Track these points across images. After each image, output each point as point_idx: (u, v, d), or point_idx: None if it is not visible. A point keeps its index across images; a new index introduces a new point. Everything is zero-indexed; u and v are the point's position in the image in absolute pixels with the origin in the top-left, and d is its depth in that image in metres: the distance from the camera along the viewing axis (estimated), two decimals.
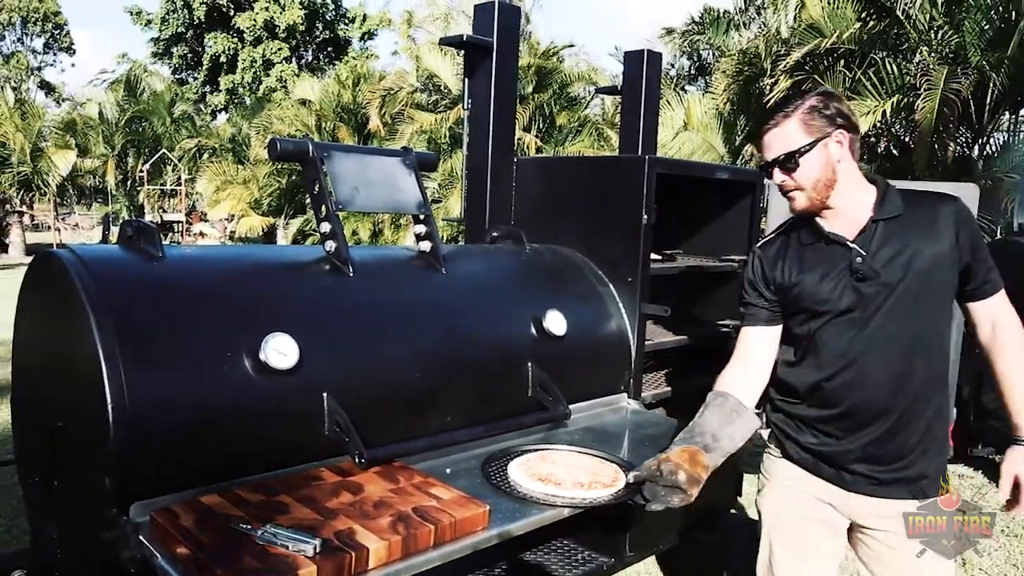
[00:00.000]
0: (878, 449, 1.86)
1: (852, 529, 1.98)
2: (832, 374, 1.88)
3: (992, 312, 1.85)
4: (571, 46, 16.82)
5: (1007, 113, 10.82)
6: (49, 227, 24.08)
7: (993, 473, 4.81)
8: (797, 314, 1.93)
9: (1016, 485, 1.85)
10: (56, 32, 36.31)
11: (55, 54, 37.33)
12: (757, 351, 2.00)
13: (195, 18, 32.13)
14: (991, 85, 9.79)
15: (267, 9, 31.34)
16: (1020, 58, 9.37)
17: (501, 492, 2.00)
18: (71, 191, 24.22)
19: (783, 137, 1.83)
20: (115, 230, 19.96)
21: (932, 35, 10.63)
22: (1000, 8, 9.91)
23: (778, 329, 1.99)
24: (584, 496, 2.00)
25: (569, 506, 1.97)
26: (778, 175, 1.86)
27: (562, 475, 2.09)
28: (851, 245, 1.83)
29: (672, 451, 1.89)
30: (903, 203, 1.83)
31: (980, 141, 10.89)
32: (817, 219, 1.90)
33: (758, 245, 2.05)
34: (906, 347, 1.82)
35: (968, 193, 3.45)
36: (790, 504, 2.02)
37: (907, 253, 1.79)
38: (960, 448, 4.68)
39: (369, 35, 34.78)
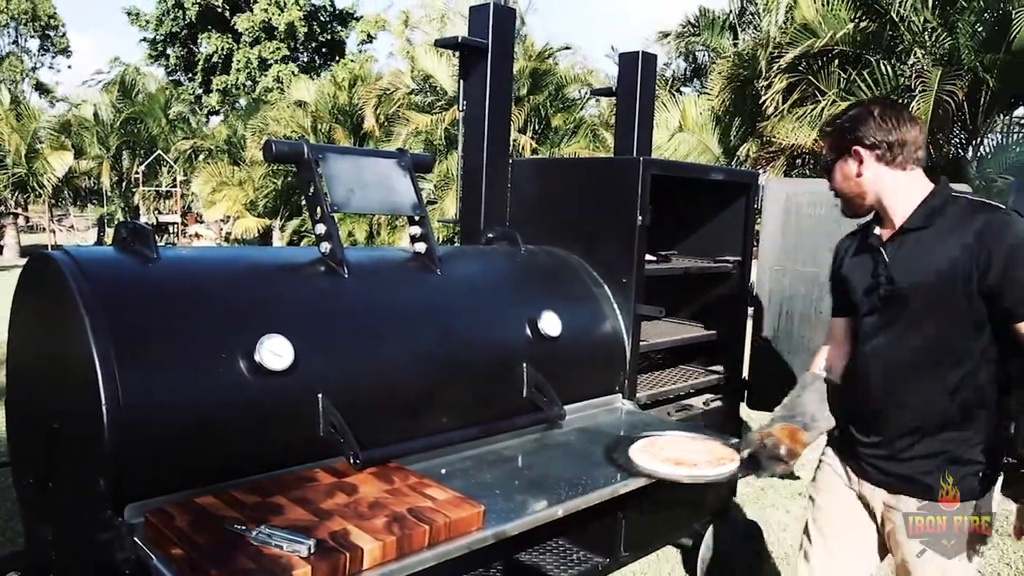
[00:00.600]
0: (880, 448, 1.94)
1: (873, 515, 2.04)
2: (853, 369, 2.03)
3: None
4: (567, 48, 16.85)
5: (1000, 114, 10.87)
6: (44, 229, 24.01)
7: None
8: (849, 308, 2.06)
9: None
10: (51, 33, 36.20)
11: (54, 56, 37.26)
12: (842, 337, 2.13)
13: (188, 18, 32.11)
14: (984, 87, 9.84)
15: (266, 11, 31.33)
16: (1013, 60, 9.41)
17: (643, 476, 2.22)
18: (66, 193, 24.12)
19: (824, 151, 2.03)
20: (110, 232, 19.90)
21: (926, 37, 10.68)
22: (993, 10, 9.96)
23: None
24: (721, 472, 2.24)
25: (718, 480, 2.25)
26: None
27: (691, 457, 2.31)
28: (881, 249, 1.92)
29: (774, 428, 2.08)
30: (941, 211, 1.84)
31: (974, 142, 10.93)
32: (877, 220, 1.99)
33: (841, 240, 2.17)
34: (907, 353, 1.86)
35: None
36: (826, 488, 2.13)
37: (923, 261, 1.82)
38: None
39: (369, 38, 34.79)
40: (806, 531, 2.17)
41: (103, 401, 1.68)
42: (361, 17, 34.74)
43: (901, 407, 1.88)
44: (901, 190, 1.89)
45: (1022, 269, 1.70)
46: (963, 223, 1.79)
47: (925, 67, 10.37)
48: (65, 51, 37.51)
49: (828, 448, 2.15)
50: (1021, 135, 10.93)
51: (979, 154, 10.98)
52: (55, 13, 35.42)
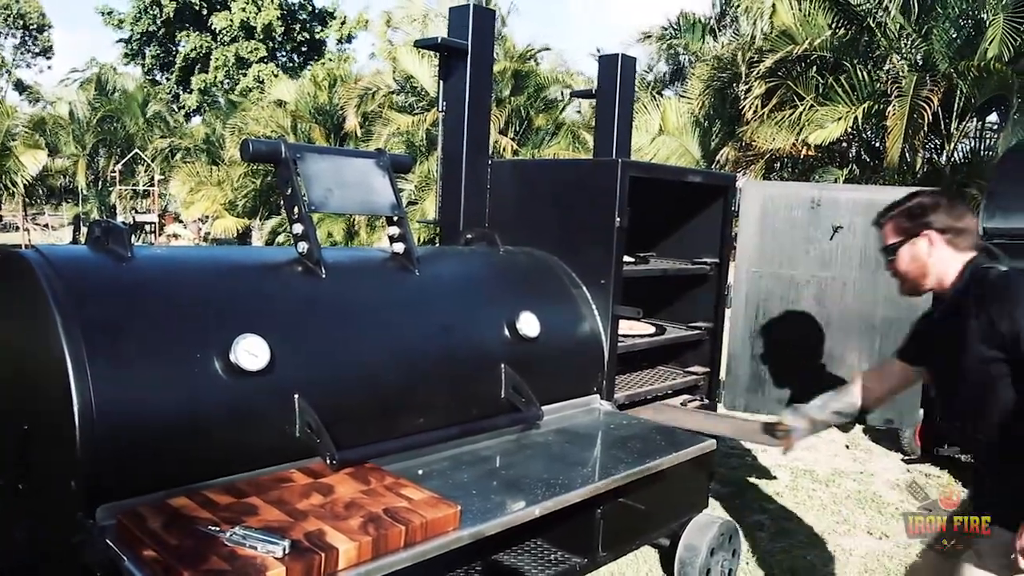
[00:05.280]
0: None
1: None
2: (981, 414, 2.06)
3: None
4: (547, 49, 16.90)
5: (974, 120, 11.04)
6: (18, 228, 23.63)
7: (958, 472, 4.90)
8: (918, 361, 2.23)
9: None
10: (35, 33, 35.66)
11: (35, 56, 36.70)
12: (892, 373, 2.33)
13: (165, 14, 31.77)
14: (959, 93, 9.99)
15: (244, 9, 31.07)
16: (986, 66, 9.57)
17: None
18: (41, 191, 23.76)
19: (883, 234, 2.14)
20: (86, 231, 19.57)
21: (902, 43, 10.83)
22: (967, 17, 10.12)
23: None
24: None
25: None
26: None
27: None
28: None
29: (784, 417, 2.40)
30: (972, 277, 1.97)
31: (948, 147, 11.10)
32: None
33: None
34: (1000, 406, 1.93)
35: None
36: None
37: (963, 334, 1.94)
38: (927, 447, 4.77)
39: (348, 38, 34.62)
40: None
41: (75, 402, 1.66)
42: (340, 16, 34.54)
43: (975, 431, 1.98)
44: (958, 263, 2.01)
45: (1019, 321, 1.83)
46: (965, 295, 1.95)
47: (901, 73, 10.51)
48: (48, 51, 36.94)
49: None
50: (992, 141, 11.11)
51: (953, 159, 11.15)
52: (43, 13, 34.85)
